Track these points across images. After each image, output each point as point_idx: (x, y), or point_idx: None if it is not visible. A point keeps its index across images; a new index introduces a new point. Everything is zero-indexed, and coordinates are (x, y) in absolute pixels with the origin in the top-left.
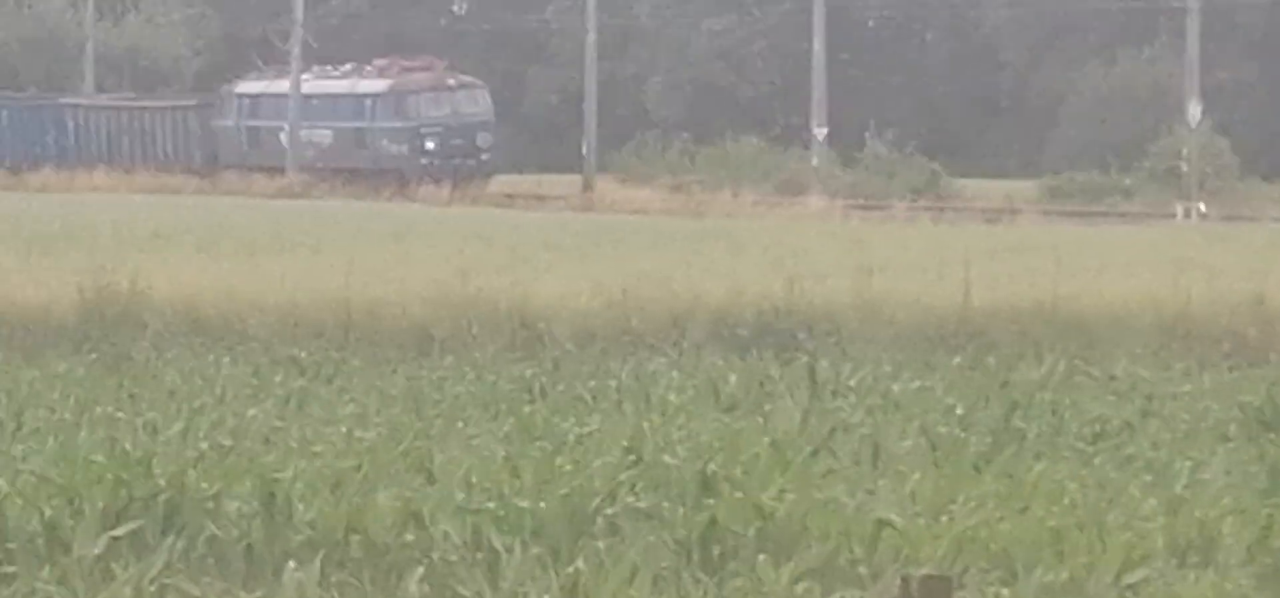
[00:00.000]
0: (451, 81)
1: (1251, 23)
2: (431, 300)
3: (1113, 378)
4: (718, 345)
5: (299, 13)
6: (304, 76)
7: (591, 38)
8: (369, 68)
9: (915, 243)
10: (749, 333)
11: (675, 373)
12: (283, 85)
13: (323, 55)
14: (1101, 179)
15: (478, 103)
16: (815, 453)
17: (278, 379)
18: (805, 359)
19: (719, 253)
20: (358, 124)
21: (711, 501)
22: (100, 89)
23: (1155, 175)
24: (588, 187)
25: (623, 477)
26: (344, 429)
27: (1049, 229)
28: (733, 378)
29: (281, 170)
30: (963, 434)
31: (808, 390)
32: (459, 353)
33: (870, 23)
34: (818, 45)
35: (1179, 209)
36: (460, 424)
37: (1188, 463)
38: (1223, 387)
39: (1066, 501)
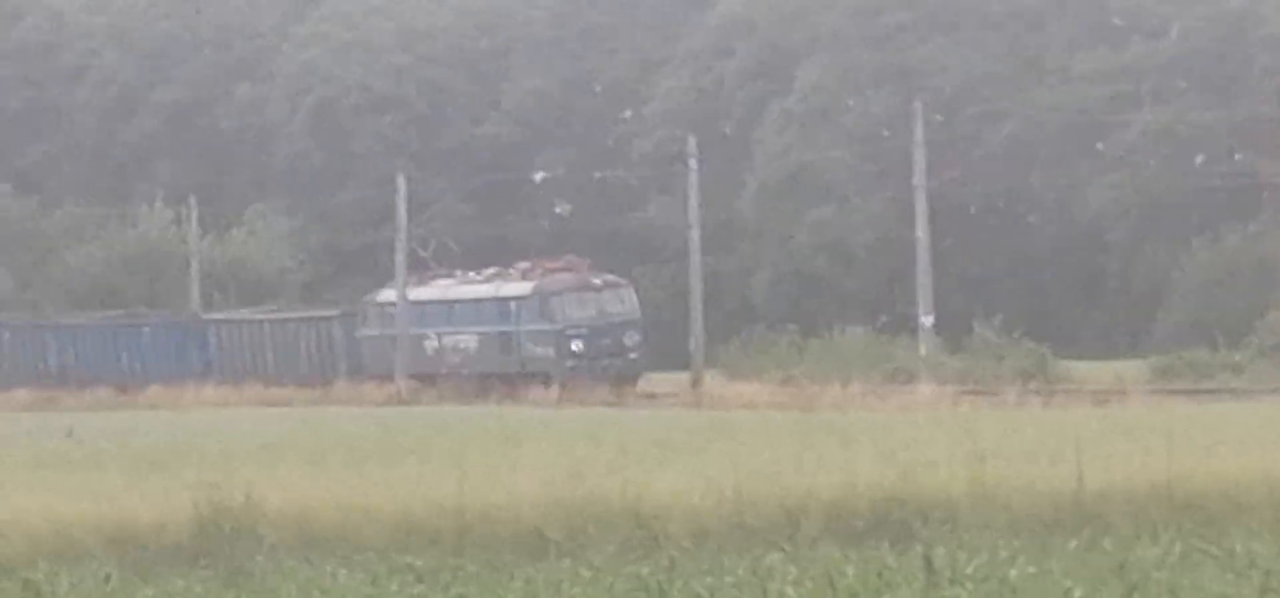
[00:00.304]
0: (597, 281)
1: None
2: (544, 503)
3: (1231, 556)
4: (833, 539)
5: (402, 218)
6: (446, 282)
7: (695, 233)
8: (512, 270)
9: (1026, 427)
10: (864, 524)
11: (791, 568)
12: (428, 292)
13: (434, 261)
14: (1210, 357)
15: (623, 301)
16: None
17: (394, 587)
18: (921, 548)
19: (830, 445)
20: (504, 328)
21: None
22: (207, 305)
23: (1264, 350)
24: (696, 382)
25: None
26: None
27: (1159, 408)
28: (850, 570)
29: (432, 377)
30: None
31: (925, 579)
32: (574, 555)
33: (973, 208)
34: (921, 232)
35: None
36: None
37: None
38: None
39: None
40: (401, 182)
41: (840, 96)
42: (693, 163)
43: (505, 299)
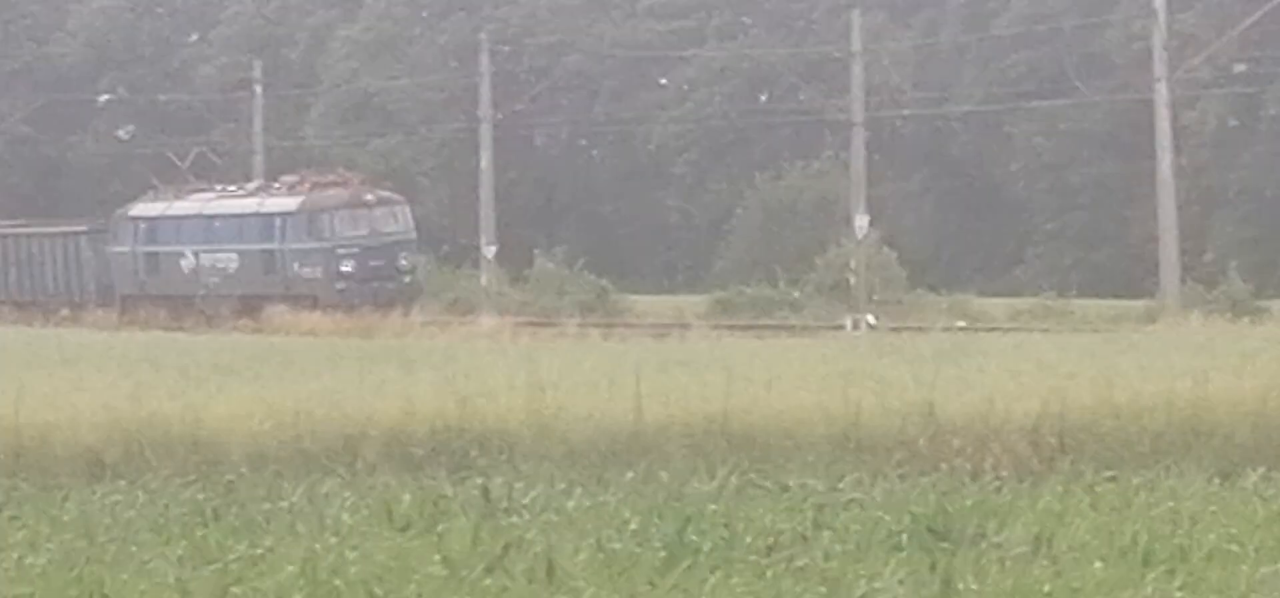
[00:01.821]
0: (369, 197)
1: (916, 135)
2: (102, 425)
3: (785, 490)
4: (391, 466)
5: None
6: (206, 196)
7: (259, 159)
8: (277, 184)
9: (586, 359)
10: (422, 452)
11: (348, 494)
12: (185, 206)
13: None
14: (770, 292)
15: (398, 219)
16: (489, 571)
17: None
18: (478, 478)
19: (390, 373)
20: (267, 246)
21: None
22: None
23: (823, 288)
24: (258, 308)
25: None
26: (15, 556)
27: (718, 343)
28: (406, 498)
29: (188, 300)
30: (637, 549)
31: (482, 508)
32: (131, 478)
33: (537, 141)
34: (485, 163)
35: (848, 321)
36: (133, 549)
37: (861, 574)
38: (894, 497)
39: None
40: None
41: (407, 26)
42: (258, 89)
43: (269, 215)
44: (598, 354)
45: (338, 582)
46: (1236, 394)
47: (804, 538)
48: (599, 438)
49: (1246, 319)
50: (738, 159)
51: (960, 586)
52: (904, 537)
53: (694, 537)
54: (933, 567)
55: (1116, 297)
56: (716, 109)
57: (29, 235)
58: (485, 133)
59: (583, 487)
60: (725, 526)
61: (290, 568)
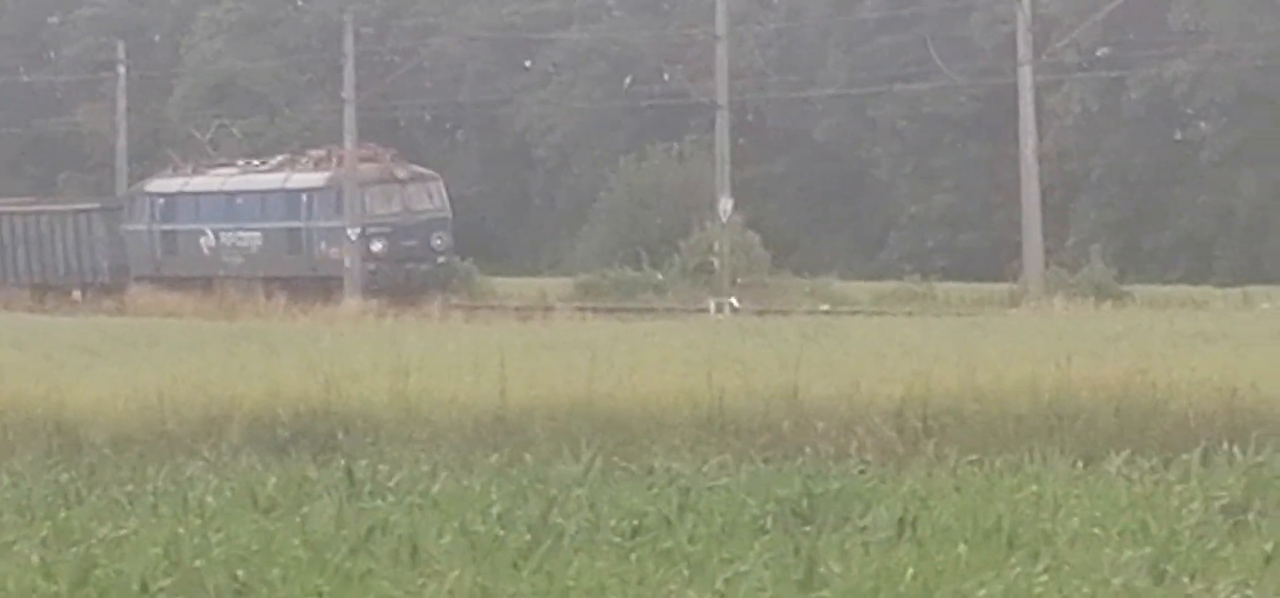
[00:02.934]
0: (402, 172)
1: (780, 118)
2: None
3: (650, 473)
4: (255, 447)
5: None
6: (228, 171)
7: (122, 141)
8: (304, 158)
9: (450, 342)
10: (286, 435)
11: (212, 476)
12: (205, 182)
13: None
14: (634, 275)
15: (432, 197)
16: (353, 553)
17: None
18: (343, 460)
19: (254, 355)
20: (293, 224)
21: None
22: None
23: (687, 270)
24: (123, 288)
25: (159, 582)
26: None
27: (583, 326)
28: (271, 480)
29: (207, 281)
30: (501, 532)
31: (345, 491)
32: None
33: (402, 122)
34: (350, 144)
35: (712, 304)
36: None
37: (725, 557)
38: (759, 480)
39: (606, 597)
40: None
41: (272, 7)
42: (122, 70)
43: (295, 191)
44: (462, 337)
45: (201, 564)
46: (1099, 378)
47: (668, 521)
48: (463, 421)
49: (1109, 303)
50: (602, 142)
51: (824, 569)
52: (768, 520)
53: (558, 520)
54: (797, 550)
55: (980, 280)
56: (581, 92)
57: (37, 213)
58: (349, 114)
59: (447, 470)
60: (589, 508)
61: (153, 550)
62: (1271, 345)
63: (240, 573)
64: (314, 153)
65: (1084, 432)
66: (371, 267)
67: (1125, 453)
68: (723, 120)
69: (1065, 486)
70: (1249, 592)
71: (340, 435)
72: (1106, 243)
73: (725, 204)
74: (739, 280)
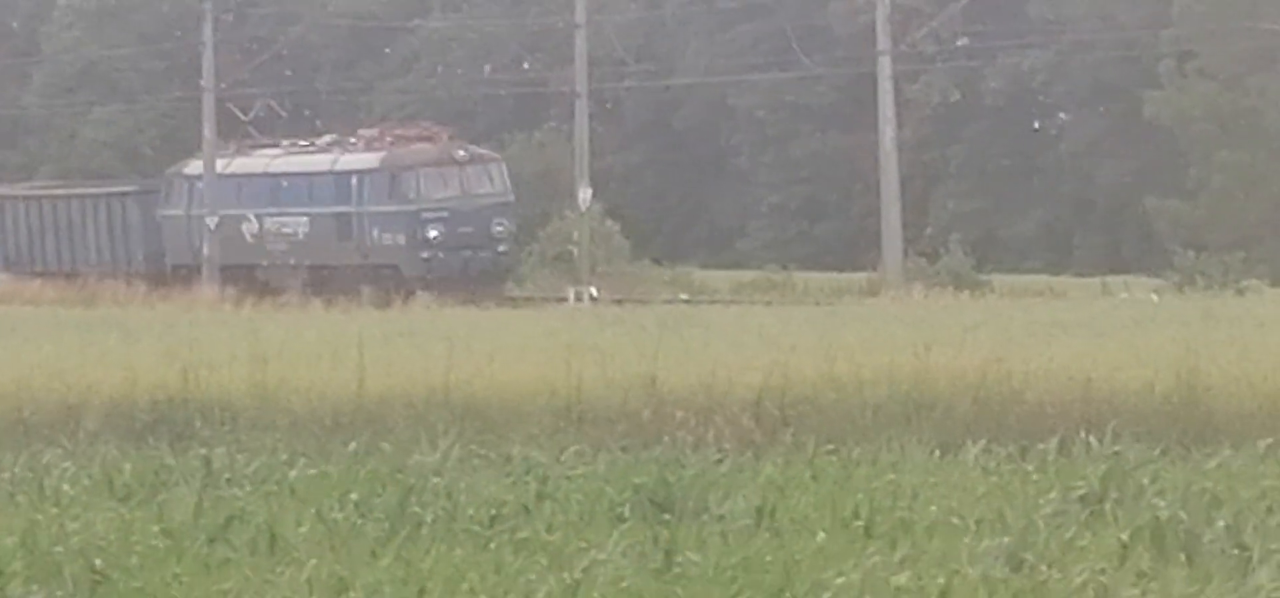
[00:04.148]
0: (460, 153)
1: (640, 107)
2: None
3: (508, 461)
4: (113, 435)
5: None
6: (273, 152)
7: None
8: (354, 138)
9: (308, 330)
10: (144, 422)
11: (69, 464)
12: (247, 163)
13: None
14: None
15: (493, 180)
16: (211, 541)
17: None
18: (201, 448)
19: (112, 342)
20: (342, 209)
21: (103, 593)
22: None
23: (546, 259)
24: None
25: (14, 569)
26: None
27: (441, 313)
28: (128, 468)
29: (251, 269)
30: (359, 520)
31: (203, 479)
32: None
33: (261, 111)
34: (208, 132)
35: (571, 293)
36: None
37: (583, 546)
38: (617, 469)
39: (464, 586)
40: None
41: None
42: None
43: (345, 174)
44: (320, 325)
45: (58, 551)
46: (957, 368)
47: (526, 510)
48: (321, 409)
49: (967, 293)
50: (461, 130)
51: (682, 557)
52: (627, 509)
53: (416, 508)
54: (655, 539)
55: (839, 270)
56: (440, 80)
57: (68, 197)
58: (208, 103)
59: (305, 458)
60: (447, 497)
61: (10, 539)
62: (1128, 335)
63: (97, 561)
64: (365, 132)
65: (942, 421)
66: (425, 255)
67: (983, 442)
68: (582, 109)
69: (923, 474)
70: (1105, 581)
71: (198, 423)
72: (965, 232)
73: (584, 193)
74: (598, 269)
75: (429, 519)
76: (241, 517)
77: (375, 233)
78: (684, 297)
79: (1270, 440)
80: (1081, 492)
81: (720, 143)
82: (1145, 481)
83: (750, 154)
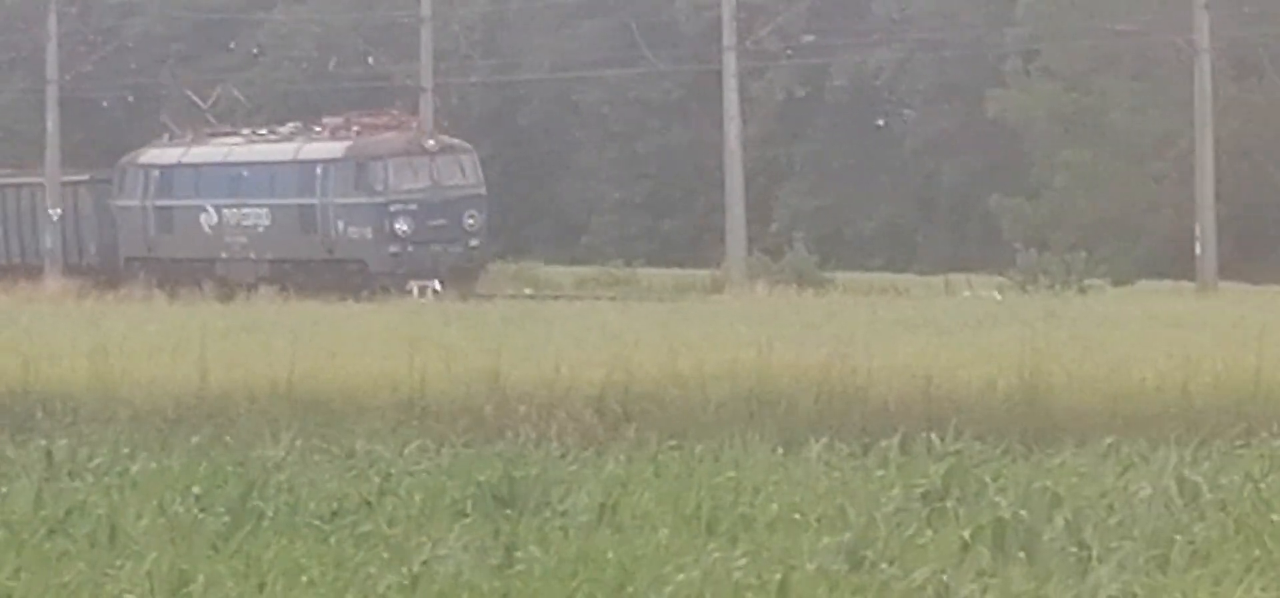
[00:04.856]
0: (430, 143)
1: (485, 102)
2: None
3: (350, 456)
4: None
5: None
6: (233, 141)
7: None
8: (319, 127)
9: (151, 323)
10: None
11: None
12: (204, 153)
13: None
14: None
15: (464, 171)
16: (51, 534)
17: None
18: (42, 440)
19: None
20: (306, 201)
21: None
22: None
23: None
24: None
25: None
26: None
27: (285, 308)
28: None
29: (207, 264)
30: (200, 514)
31: (44, 471)
32: None
33: (105, 103)
34: (51, 126)
35: (414, 287)
36: None
37: (425, 541)
38: (459, 464)
39: (305, 580)
40: None
41: None
42: None
43: (309, 163)
44: (163, 318)
45: None
46: (801, 365)
47: (368, 504)
48: (163, 402)
49: (811, 290)
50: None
51: (523, 552)
52: (468, 504)
53: (258, 502)
54: (496, 534)
55: (683, 266)
56: (284, 74)
57: (16, 186)
58: (51, 95)
59: (147, 451)
60: (289, 491)
61: None
62: (971, 333)
63: None
64: (329, 120)
65: (784, 418)
66: (394, 249)
67: (825, 439)
68: (427, 103)
69: (765, 471)
70: (946, 579)
71: (39, 415)
72: (809, 230)
73: None
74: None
75: (270, 513)
76: (82, 510)
77: (340, 225)
78: (528, 292)
79: (1111, 439)
80: (923, 489)
81: (565, 138)
82: (987, 479)
83: (595, 150)
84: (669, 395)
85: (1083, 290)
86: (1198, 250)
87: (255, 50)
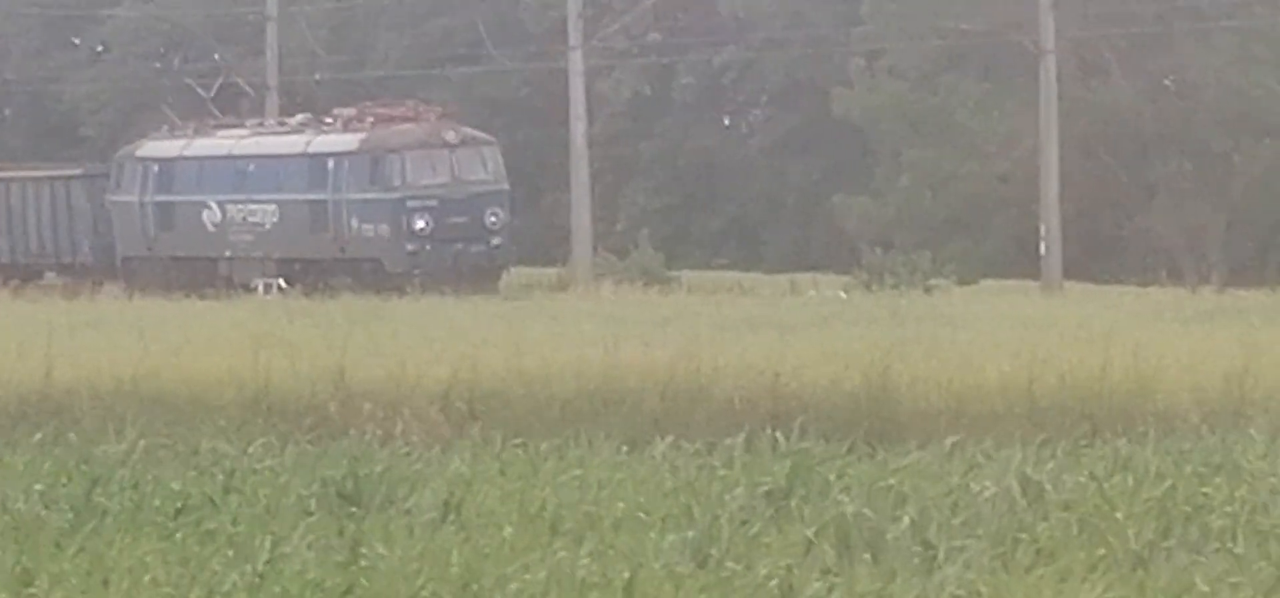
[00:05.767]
0: (450, 135)
1: (331, 99)
2: None
3: (195, 453)
4: None
5: None
6: (238, 133)
7: None
8: (331, 118)
9: None
10: None
11: None
12: (208, 145)
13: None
14: None
15: (486, 165)
16: None
17: None
18: None
19: None
20: (317, 196)
21: None
22: None
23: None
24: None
25: None
26: None
27: (130, 305)
28: None
29: (211, 263)
30: (44, 511)
31: None
32: None
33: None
34: None
35: (260, 284)
36: None
37: (270, 538)
38: (304, 461)
39: (149, 577)
40: None
41: None
42: None
43: (320, 157)
44: (7, 314)
45: None
46: (646, 363)
47: (213, 502)
48: (7, 399)
49: (657, 289)
50: (150, 121)
51: (368, 550)
52: (314, 501)
53: (102, 499)
54: (341, 531)
55: (529, 264)
56: (130, 70)
57: (8, 181)
58: None
59: None
60: (134, 488)
61: None
62: (817, 332)
63: None
64: (341, 112)
65: (630, 416)
66: (411, 247)
67: (671, 438)
68: (272, 101)
69: (610, 470)
70: (790, 577)
71: None
72: (656, 228)
73: None
74: None
75: (114, 511)
76: None
77: (354, 223)
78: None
79: (956, 439)
80: (767, 488)
81: None
82: (831, 477)
83: None
84: (514, 394)
85: (928, 290)
86: (1043, 250)
87: (100, 46)
